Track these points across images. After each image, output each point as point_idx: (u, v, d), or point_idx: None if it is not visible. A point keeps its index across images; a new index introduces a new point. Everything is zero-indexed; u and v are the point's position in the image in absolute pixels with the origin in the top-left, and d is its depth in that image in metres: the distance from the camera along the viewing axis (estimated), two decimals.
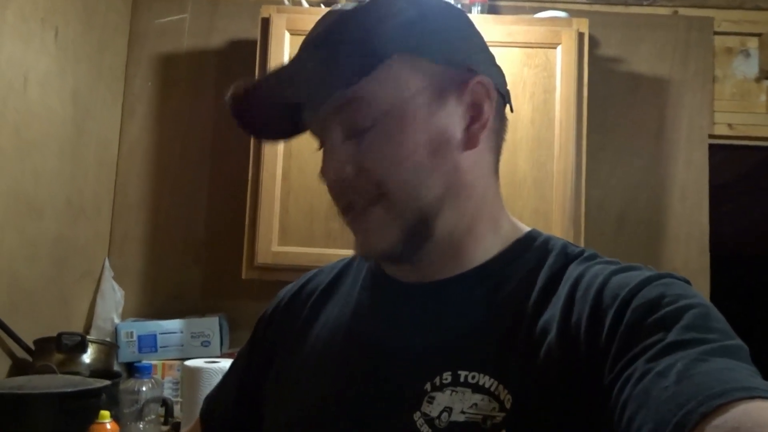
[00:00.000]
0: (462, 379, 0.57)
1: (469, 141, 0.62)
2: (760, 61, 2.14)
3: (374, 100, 0.60)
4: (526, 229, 0.68)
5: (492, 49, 0.68)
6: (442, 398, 0.57)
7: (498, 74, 0.66)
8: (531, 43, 1.83)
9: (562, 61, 1.82)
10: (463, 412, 0.56)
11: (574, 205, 1.78)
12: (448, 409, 0.56)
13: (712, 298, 2.08)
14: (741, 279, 3.89)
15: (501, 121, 0.67)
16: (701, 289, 2.07)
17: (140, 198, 2.14)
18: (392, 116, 0.60)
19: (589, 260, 0.62)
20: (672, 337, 0.48)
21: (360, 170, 0.61)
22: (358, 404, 0.62)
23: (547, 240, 0.66)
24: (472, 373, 0.57)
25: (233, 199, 2.05)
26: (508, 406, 0.55)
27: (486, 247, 0.65)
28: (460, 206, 0.63)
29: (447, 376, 0.58)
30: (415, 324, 0.63)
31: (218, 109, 2.11)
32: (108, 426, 1.32)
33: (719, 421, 0.40)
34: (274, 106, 0.63)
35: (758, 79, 2.14)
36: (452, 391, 0.57)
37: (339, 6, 0.62)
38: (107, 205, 2.10)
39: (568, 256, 0.63)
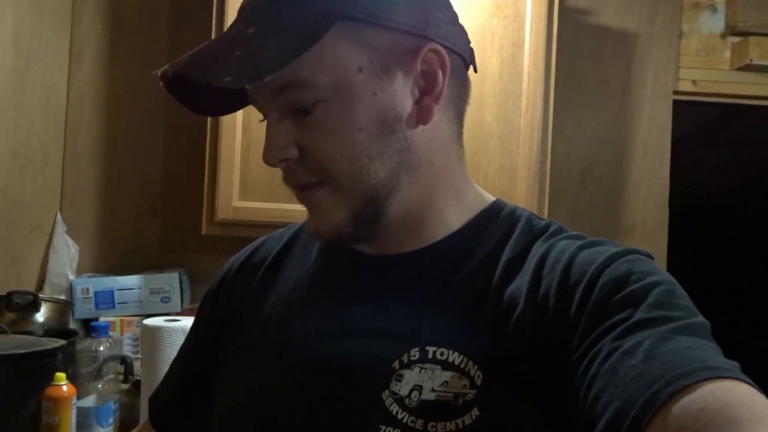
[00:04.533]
0: (430, 356, 0.56)
1: (422, 115, 0.58)
2: (726, 16, 2.13)
3: (312, 80, 0.55)
4: (491, 198, 0.66)
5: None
6: (411, 376, 0.56)
7: (460, 34, 0.61)
8: None
9: (531, 12, 1.77)
10: (433, 390, 0.55)
11: (539, 161, 1.77)
12: (418, 387, 0.55)
13: (668, 251, 2.13)
14: (695, 232, 4.02)
15: (463, 86, 0.63)
16: (659, 244, 2.11)
17: (92, 147, 2.04)
18: (333, 97, 0.55)
19: (554, 235, 0.61)
20: (639, 315, 0.48)
21: (303, 153, 0.57)
22: (322, 384, 0.60)
23: (513, 211, 0.64)
24: (441, 349, 0.56)
25: (191, 148, 1.97)
26: (478, 382, 0.54)
27: (450, 219, 0.63)
28: (416, 182, 0.60)
29: (415, 353, 0.56)
30: (378, 299, 0.61)
31: (173, 53, 2.00)
32: (64, 388, 1.29)
33: (686, 401, 0.41)
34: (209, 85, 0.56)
35: (724, 35, 2.14)
36: (421, 368, 0.56)
37: None
38: (57, 156, 2.00)
39: (533, 230, 0.62)
